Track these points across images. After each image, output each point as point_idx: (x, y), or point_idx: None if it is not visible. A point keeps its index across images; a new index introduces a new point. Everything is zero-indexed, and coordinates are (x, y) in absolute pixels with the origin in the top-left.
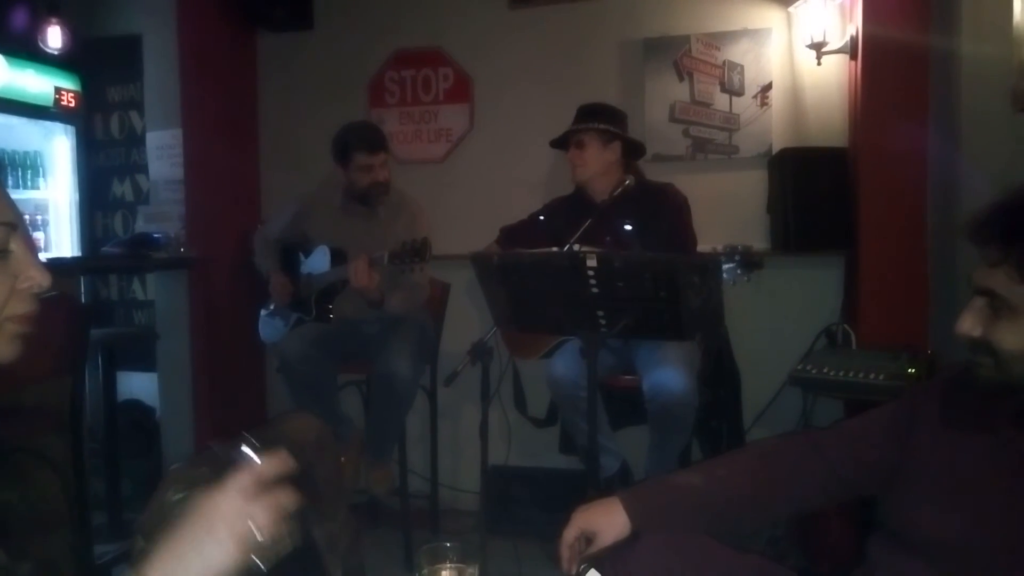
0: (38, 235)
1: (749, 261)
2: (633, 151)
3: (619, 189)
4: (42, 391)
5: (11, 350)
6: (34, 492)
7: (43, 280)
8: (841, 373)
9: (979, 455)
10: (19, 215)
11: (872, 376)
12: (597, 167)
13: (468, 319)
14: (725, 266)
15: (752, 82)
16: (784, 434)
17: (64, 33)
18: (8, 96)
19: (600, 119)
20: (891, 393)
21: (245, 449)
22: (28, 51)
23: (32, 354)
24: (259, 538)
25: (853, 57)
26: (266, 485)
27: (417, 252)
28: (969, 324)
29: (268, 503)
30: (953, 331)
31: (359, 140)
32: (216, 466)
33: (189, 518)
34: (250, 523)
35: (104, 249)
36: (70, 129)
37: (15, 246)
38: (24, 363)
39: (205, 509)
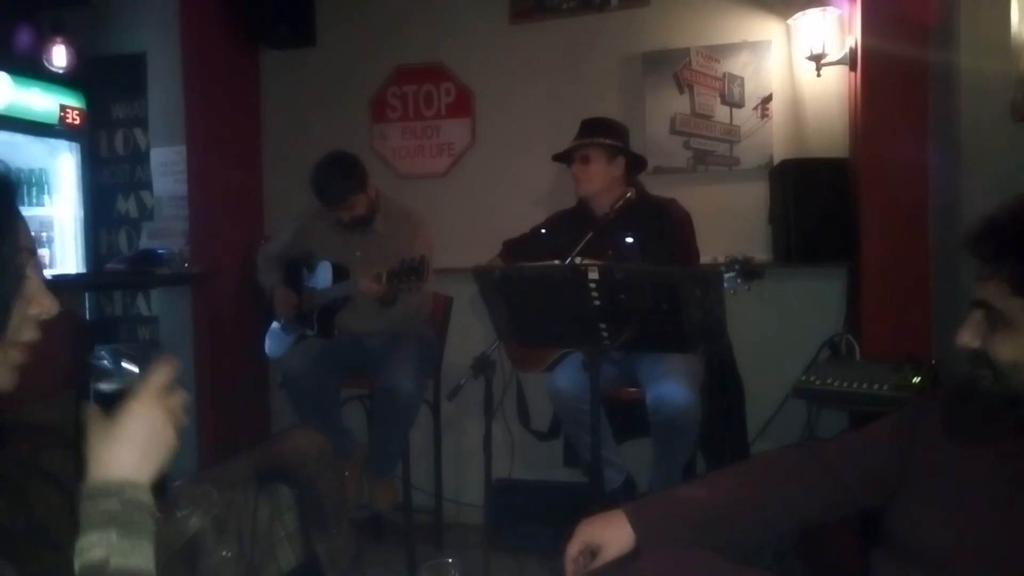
0: (43, 252)
1: (749, 271)
2: (635, 165)
3: (620, 202)
4: (46, 408)
5: (9, 378)
6: (37, 510)
7: (52, 308)
8: (845, 384)
9: (981, 468)
10: (35, 242)
11: (876, 387)
12: (602, 182)
13: (471, 332)
14: (726, 275)
15: (752, 94)
16: (788, 446)
17: (69, 51)
18: (13, 114)
19: (605, 134)
20: (895, 404)
21: (126, 364)
22: (33, 69)
23: (36, 371)
24: (181, 420)
25: (853, 68)
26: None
27: (415, 271)
28: (967, 337)
29: (172, 395)
30: (953, 343)
31: (317, 196)
32: (217, 483)
33: (126, 425)
34: (171, 411)
35: (108, 266)
36: (75, 146)
37: (31, 272)
38: (28, 380)
39: (136, 414)
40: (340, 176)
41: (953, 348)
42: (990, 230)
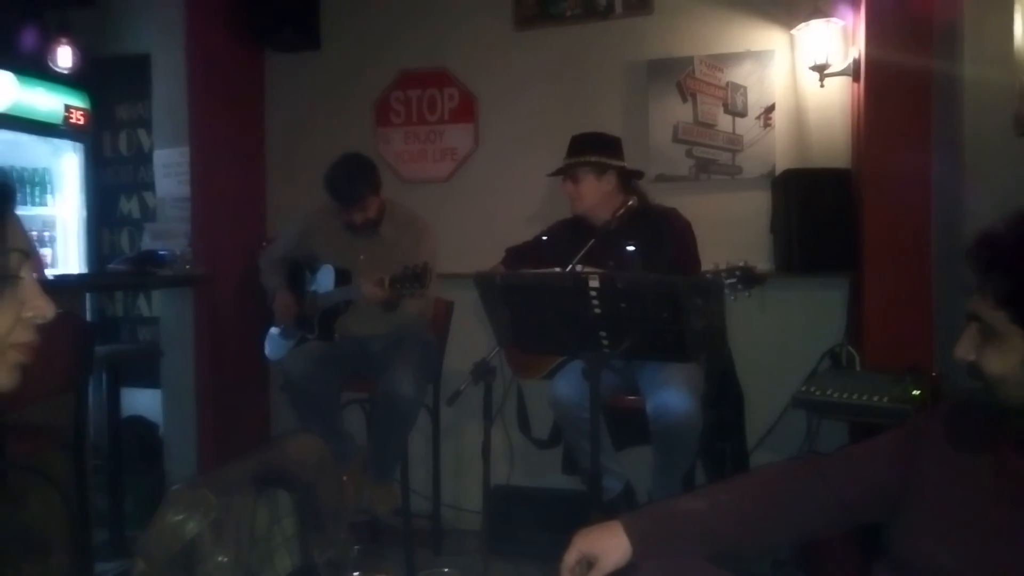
0: (45, 251)
1: (750, 277)
2: (631, 174)
3: (622, 210)
4: (46, 409)
5: (11, 378)
6: (35, 510)
7: (48, 311)
8: (845, 395)
9: (982, 481)
10: (32, 245)
11: (876, 398)
12: (593, 199)
13: (472, 338)
14: (727, 282)
15: (755, 103)
16: (788, 459)
17: (74, 52)
18: (18, 113)
19: (593, 150)
20: (896, 416)
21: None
22: (38, 69)
23: (36, 372)
24: None
25: (856, 79)
26: None
27: (417, 278)
28: (964, 349)
29: None
30: (952, 356)
31: (332, 194)
32: (216, 488)
33: None
34: None
35: (110, 266)
36: (79, 146)
37: (25, 274)
38: (28, 381)
39: None
40: (358, 176)
41: (953, 361)
42: (983, 243)
